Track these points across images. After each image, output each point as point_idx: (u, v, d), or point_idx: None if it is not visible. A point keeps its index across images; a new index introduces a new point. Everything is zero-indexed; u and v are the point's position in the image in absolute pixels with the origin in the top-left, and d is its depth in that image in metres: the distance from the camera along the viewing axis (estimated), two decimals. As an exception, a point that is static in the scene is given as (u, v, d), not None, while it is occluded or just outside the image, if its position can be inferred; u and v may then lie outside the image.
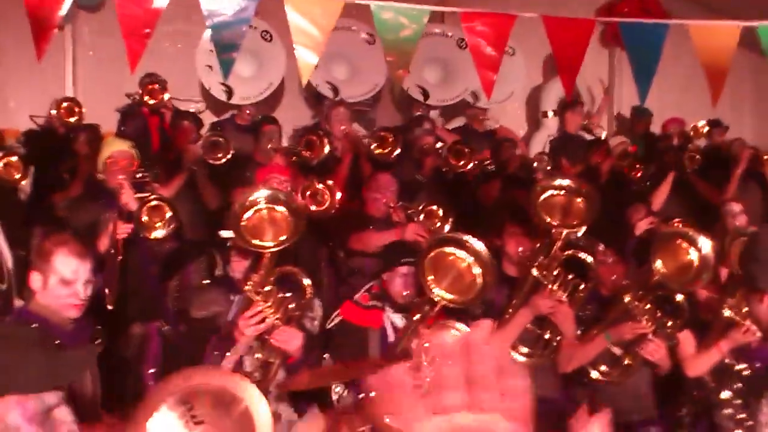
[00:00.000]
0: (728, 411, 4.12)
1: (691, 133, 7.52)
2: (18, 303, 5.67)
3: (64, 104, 6.67)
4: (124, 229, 4.44)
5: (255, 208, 3.49)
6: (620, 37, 4.22)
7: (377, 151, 6.20)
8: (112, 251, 4.49)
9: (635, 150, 7.31)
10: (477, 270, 3.73)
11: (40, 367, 1.63)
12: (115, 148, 4.97)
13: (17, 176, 5.90)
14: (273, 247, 3.41)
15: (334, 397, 3.70)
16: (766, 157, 6.94)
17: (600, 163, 6.83)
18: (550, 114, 8.27)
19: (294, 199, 3.65)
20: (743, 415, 4.08)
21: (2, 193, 5.99)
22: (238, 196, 3.65)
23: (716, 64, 3.85)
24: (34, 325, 3.05)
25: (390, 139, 6.24)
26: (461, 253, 3.75)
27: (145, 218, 4.62)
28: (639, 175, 6.67)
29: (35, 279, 3.13)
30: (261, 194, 3.52)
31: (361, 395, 3.63)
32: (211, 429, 2.61)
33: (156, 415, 2.60)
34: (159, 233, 4.65)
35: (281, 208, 3.50)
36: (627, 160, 6.77)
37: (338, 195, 5.18)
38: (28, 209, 6.26)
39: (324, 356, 3.87)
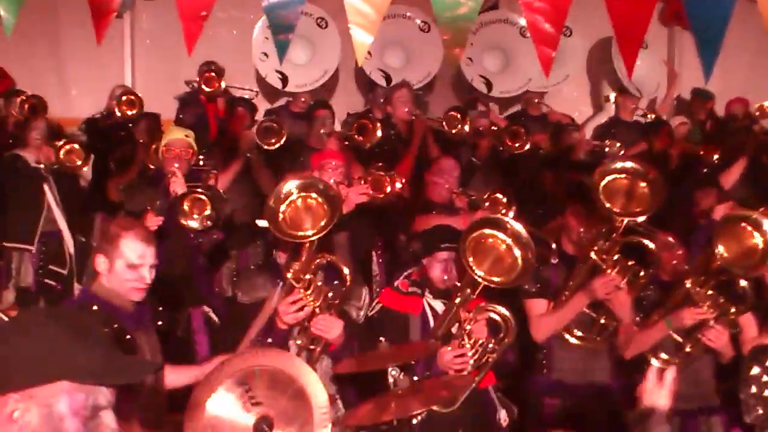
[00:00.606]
0: (754, 389, 4.00)
1: (757, 114, 7.26)
2: (77, 287, 5.87)
3: (124, 97, 6.76)
4: (154, 221, 4.49)
5: (290, 199, 3.50)
6: (680, 16, 4.08)
7: (450, 130, 6.17)
8: None
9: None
10: (517, 252, 3.68)
11: (101, 360, 1.62)
12: (173, 136, 5.03)
13: (78, 163, 6.03)
14: (312, 236, 3.43)
15: (390, 380, 3.69)
16: None
17: (667, 147, 6.65)
18: (612, 97, 8.09)
19: (329, 186, 3.64)
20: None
21: (64, 180, 6.13)
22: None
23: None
24: (94, 308, 3.14)
25: (458, 117, 6.22)
26: (501, 236, 3.71)
27: (186, 206, 4.68)
28: (715, 157, 6.45)
29: (101, 262, 3.20)
30: (293, 184, 3.52)
31: (417, 378, 3.64)
32: (268, 409, 2.65)
33: (214, 396, 2.65)
34: (192, 223, 4.68)
35: (315, 195, 3.50)
36: (698, 143, 6.55)
37: (398, 185, 5.11)
38: (88, 196, 6.41)
39: (381, 339, 3.85)
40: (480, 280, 3.61)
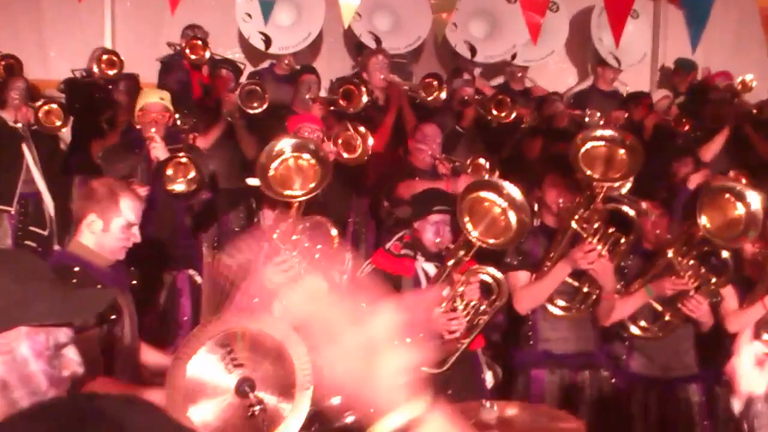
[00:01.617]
0: None
1: (739, 87, 7.27)
2: (57, 249, 5.81)
3: (104, 56, 6.66)
4: (140, 191, 4.46)
5: (282, 157, 3.47)
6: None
7: (424, 98, 6.13)
8: None
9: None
10: (512, 215, 3.69)
11: (53, 302, 1.64)
12: (148, 99, 4.97)
13: (58, 124, 5.94)
14: (301, 196, 3.40)
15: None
16: None
17: (643, 118, 6.67)
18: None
19: (321, 148, 3.61)
20: None
21: (43, 142, 6.04)
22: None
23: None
24: (76, 269, 3.10)
25: (435, 84, 6.17)
26: (497, 199, 3.71)
27: (169, 171, 4.64)
28: (686, 128, 6.49)
29: (93, 222, 3.16)
30: (287, 143, 3.50)
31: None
32: (250, 371, 2.63)
33: (195, 357, 2.63)
34: (178, 187, 4.65)
35: (308, 157, 3.48)
36: (672, 114, 6.59)
37: (370, 142, 5.11)
38: (68, 157, 6.32)
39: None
40: (475, 241, 3.61)
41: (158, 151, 4.63)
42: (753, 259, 4.30)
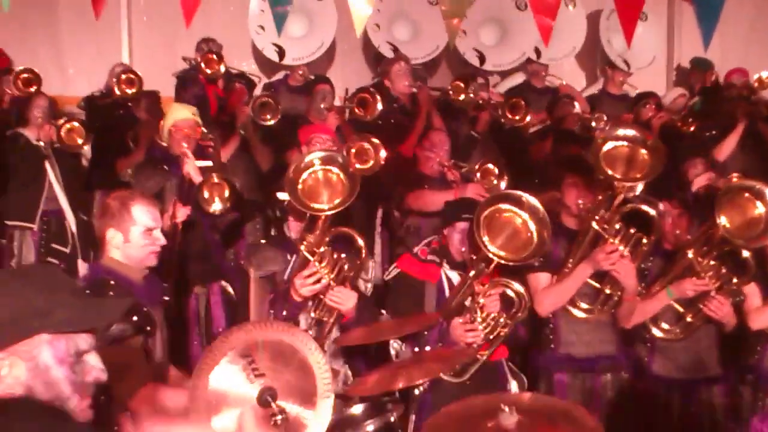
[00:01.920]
0: None
1: (756, 84, 7.21)
2: (81, 264, 5.87)
3: (123, 76, 6.71)
4: (183, 213, 4.49)
5: (311, 169, 3.50)
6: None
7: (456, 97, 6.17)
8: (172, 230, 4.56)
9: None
10: (533, 227, 3.67)
11: (72, 310, 1.71)
12: (179, 116, 4.99)
13: (80, 141, 5.99)
14: (329, 210, 3.43)
15: (392, 352, 3.71)
16: None
17: (651, 118, 6.60)
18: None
19: (349, 161, 3.64)
20: None
21: (65, 159, 6.10)
22: (294, 157, 3.67)
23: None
24: (112, 282, 3.15)
25: (462, 86, 6.22)
26: (517, 210, 3.70)
27: (206, 194, 4.71)
28: (693, 129, 6.42)
29: (114, 236, 3.20)
30: (316, 156, 3.53)
31: (417, 349, 3.65)
32: (271, 381, 2.65)
33: (217, 368, 2.65)
34: (217, 207, 4.73)
35: (336, 170, 3.51)
36: (681, 114, 6.51)
37: (382, 153, 5.12)
38: (89, 174, 6.38)
39: (381, 312, 3.88)
40: (492, 257, 3.61)
41: (191, 167, 4.66)
42: None
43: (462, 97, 6.21)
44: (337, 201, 3.46)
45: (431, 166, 5.21)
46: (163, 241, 3.27)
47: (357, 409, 3.31)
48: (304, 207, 3.48)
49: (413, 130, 5.86)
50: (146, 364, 3.06)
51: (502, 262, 3.63)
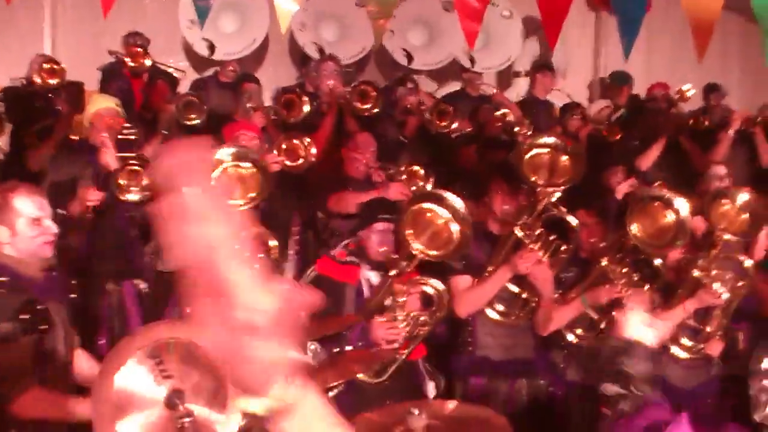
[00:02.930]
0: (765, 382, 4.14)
1: (677, 97, 7.45)
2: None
3: (45, 65, 6.51)
4: (95, 197, 4.38)
5: (222, 166, 3.46)
6: (606, 1, 4.18)
7: (359, 106, 6.13)
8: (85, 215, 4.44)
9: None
10: (454, 227, 3.73)
11: None
12: (102, 105, 4.89)
13: (-6, 133, 5.79)
14: (241, 206, 3.40)
15: (309, 353, 3.69)
16: (759, 119, 6.82)
17: (578, 129, 6.75)
18: (523, 73, 8.17)
19: (262, 156, 3.60)
20: None
21: (-22, 151, 5.89)
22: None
23: (703, 19, 3.80)
24: (2, 279, 3.03)
25: (372, 94, 6.16)
26: (439, 210, 3.74)
27: (122, 181, 4.55)
28: (618, 137, 6.60)
29: (1, 231, 3.08)
30: (226, 152, 3.48)
31: (335, 351, 3.64)
32: (180, 383, 2.60)
33: (124, 369, 2.59)
34: (132, 197, 4.57)
35: (247, 165, 3.47)
36: (606, 123, 6.69)
37: (313, 150, 5.11)
38: (5, 167, 6.17)
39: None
40: (417, 253, 3.62)
41: (109, 156, 4.53)
42: (676, 264, 4.40)
43: (368, 104, 6.16)
44: (250, 197, 3.42)
45: (357, 168, 5.20)
46: (54, 229, 3.15)
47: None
48: None
49: (320, 129, 5.84)
50: (38, 365, 2.97)
51: (426, 258, 3.67)
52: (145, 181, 4.57)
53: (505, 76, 8.66)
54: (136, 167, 4.60)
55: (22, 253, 3.10)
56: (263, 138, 5.06)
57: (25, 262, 3.10)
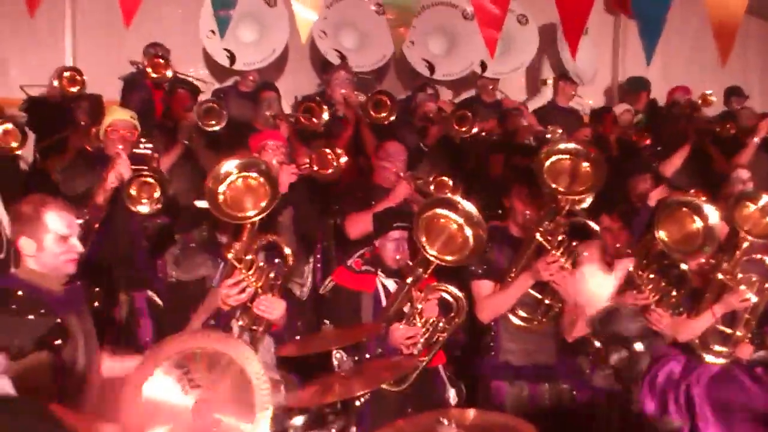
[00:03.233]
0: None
1: (699, 102, 7.39)
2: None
3: (66, 74, 6.56)
4: (114, 179, 4.35)
5: (229, 179, 3.46)
6: (624, 4, 4.15)
7: (374, 115, 6.10)
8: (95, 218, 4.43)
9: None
10: (468, 231, 3.72)
11: None
12: (117, 116, 4.89)
13: (14, 144, 5.81)
14: (252, 217, 3.39)
15: (334, 362, 3.68)
16: None
17: (607, 133, 6.73)
18: (550, 81, 8.15)
19: (270, 166, 3.60)
20: None
21: (2, 162, 5.93)
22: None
23: (726, 22, 3.76)
24: (19, 293, 3.03)
25: (388, 103, 6.13)
26: (453, 215, 3.74)
27: (133, 191, 4.51)
28: (648, 142, 6.55)
29: (27, 245, 3.08)
30: (231, 164, 3.48)
31: (358, 359, 3.64)
32: (207, 392, 2.60)
33: (152, 378, 2.59)
34: (142, 209, 4.51)
35: (255, 175, 3.47)
36: (634, 128, 6.65)
37: (343, 159, 5.09)
38: (28, 178, 6.22)
39: (325, 322, 3.86)
40: (432, 259, 3.62)
41: (123, 167, 4.50)
42: (700, 269, 4.36)
43: (383, 114, 6.11)
44: (261, 206, 3.42)
45: (386, 177, 5.14)
46: (80, 248, 3.15)
47: (298, 420, 3.26)
48: (227, 217, 3.44)
49: (339, 138, 5.83)
50: (56, 381, 2.95)
51: (442, 264, 3.66)
52: (156, 194, 4.54)
53: (532, 84, 8.66)
54: (150, 179, 4.57)
55: (45, 268, 3.10)
56: (288, 147, 5.05)
57: (46, 276, 3.10)
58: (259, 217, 3.42)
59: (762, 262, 4.36)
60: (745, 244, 4.19)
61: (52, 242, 3.08)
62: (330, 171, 5.05)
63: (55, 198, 3.23)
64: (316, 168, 4.94)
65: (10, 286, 3.05)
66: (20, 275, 3.11)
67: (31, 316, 2.88)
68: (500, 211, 4.56)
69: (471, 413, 2.84)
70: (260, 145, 4.66)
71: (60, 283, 3.14)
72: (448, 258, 3.71)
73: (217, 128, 5.87)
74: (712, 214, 3.96)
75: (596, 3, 8.13)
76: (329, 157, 5.05)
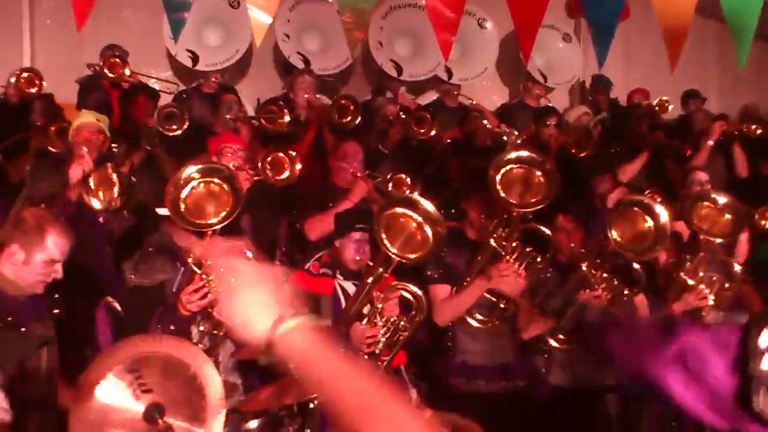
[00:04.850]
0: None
1: (657, 108, 7.51)
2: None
3: (24, 75, 6.47)
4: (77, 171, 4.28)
5: (191, 184, 3.44)
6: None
7: (338, 120, 6.12)
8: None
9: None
10: (428, 230, 3.75)
11: None
12: (83, 119, 4.87)
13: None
14: (215, 224, 3.39)
15: (290, 365, 3.68)
16: (736, 132, 6.86)
17: (551, 138, 6.69)
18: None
19: (231, 170, 3.58)
20: None
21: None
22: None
23: (675, 27, 3.84)
24: None
25: (351, 108, 6.15)
26: (412, 214, 3.76)
27: (92, 184, 4.37)
28: (583, 155, 6.45)
29: (16, 252, 3.09)
30: (192, 170, 3.46)
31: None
32: (159, 397, 2.60)
33: (103, 382, 2.59)
34: (95, 203, 4.37)
35: (218, 181, 3.46)
36: (575, 136, 6.58)
37: (298, 165, 5.09)
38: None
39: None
40: (393, 256, 3.65)
41: (85, 162, 4.39)
42: (664, 268, 4.45)
43: (347, 119, 6.11)
44: (223, 214, 3.41)
45: (344, 177, 5.13)
46: (59, 275, 3.17)
47: (252, 424, 3.27)
48: (188, 224, 3.41)
49: (301, 141, 5.84)
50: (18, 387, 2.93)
51: (403, 261, 3.68)
52: (116, 192, 4.44)
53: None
54: (114, 176, 4.46)
55: (17, 278, 3.11)
56: (248, 150, 5.03)
57: (12, 282, 3.10)
58: (221, 225, 3.41)
59: (724, 262, 4.48)
60: (707, 243, 4.28)
61: (41, 262, 3.11)
62: (284, 176, 5.04)
63: (61, 222, 3.25)
64: (269, 173, 4.93)
65: None
66: None
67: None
68: (453, 210, 4.60)
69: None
70: (219, 148, 4.63)
71: (24, 292, 3.14)
72: (410, 256, 3.73)
73: (178, 132, 5.84)
74: (663, 214, 4.04)
75: (558, 6, 8.31)
76: (285, 162, 5.04)
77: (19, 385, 2.97)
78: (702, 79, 8.64)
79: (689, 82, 8.03)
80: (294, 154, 5.14)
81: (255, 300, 1.48)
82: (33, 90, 6.35)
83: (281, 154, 5.10)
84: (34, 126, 6.02)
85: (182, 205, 3.42)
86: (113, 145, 5.09)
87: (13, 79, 6.36)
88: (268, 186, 5.00)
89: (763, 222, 5.28)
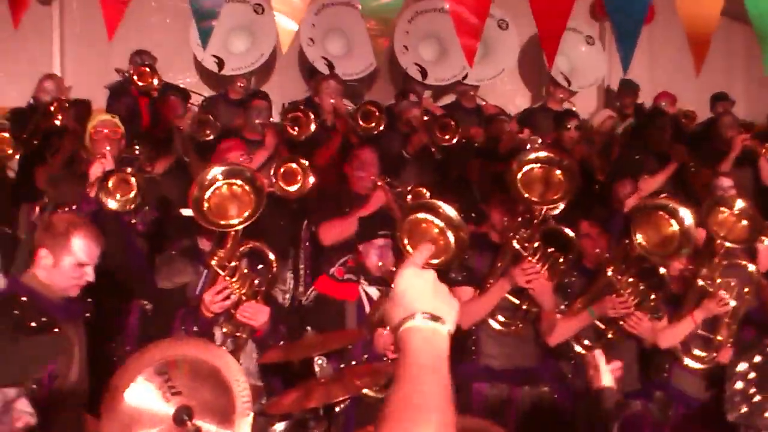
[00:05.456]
0: (740, 385, 4.14)
1: (683, 120, 7.47)
2: (1, 278, 5.69)
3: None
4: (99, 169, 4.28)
5: (215, 186, 3.48)
6: (610, 8, 4.19)
7: (363, 125, 6.13)
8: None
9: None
10: (450, 235, 3.75)
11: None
12: (99, 118, 4.91)
13: (9, 152, 5.83)
14: (237, 225, 3.42)
15: (316, 369, 3.71)
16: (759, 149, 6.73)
17: (573, 144, 6.62)
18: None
19: (255, 173, 3.62)
20: (753, 390, 4.11)
21: (-11, 170, 5.95)
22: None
23: (700, 30, 3.82)
24: (23, 298, 3.09)
25: (376, 113, 6.16)
26: (434, 219, 3.76)
27: (110, 184, 4.32)
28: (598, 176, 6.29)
29: (45, 256, 3.15)
30: (217, 171, 3.51)
31: (342, 366, 3.67)
32: (188, 399, 2.64)
33: (133, 385, 2.63)
34: (111, 203, 4.31)
35: (241, 182, 3.49)
36: (594, 151, 6.52)
37: (311, 179, 5.06)
38: (15, 186, 6.23)
39: (307, 329, 3.89)
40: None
41: (107, 164, 4.36)
42: (680, 275, 4.42)
43: (372, 125, 6.12)
44: (245, 214, 3.45)
45: (362, 185, 5.13)
46: (91, 278, 3.21)
47: (279, 427, 3.30)
48: (211, 225, 3.46)
49: (326, 146, 5.85)
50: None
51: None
52: (132, 194, 4.36)
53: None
54: (133, 180, 4.44)
55: (51, 282, 3.17)
56: (248, 153, 5.00)
57: (46, 285, 3.17)
58: (243, 226, 3.45)
59: (743, 267, 4.43)
60: (724, 249, 4.25)
61: (69, 265, 3.16)
62: (294, 188, 5.03)
63: (90, 225, 3.29)
64: (282, 184, 4.94)
65: (15, 291, 3.14)
66: (25, 280, 3.19)
67: (33, 323, 2.91)
68: (473, 215, 4.60)
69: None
70: (221, 152, 4.65)
71: (60, 295, 3.19)
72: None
73: (211, 138, 5.89)
74: (688, 217, 4.01)
75: (582, 10, 8.27)
76: (297, 174, 5.03)
77: (48, 386, 3.03)
78: (728, 82, 8.56)
79: (715, 86, 7.96)
80: (307, 164, 5.10)
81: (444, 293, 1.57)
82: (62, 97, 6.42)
83: (294, 165, 5.09)
84: (68, 130, 6.10)
85: (205, 205, 3.47)
86: (136, 147, 5.13)
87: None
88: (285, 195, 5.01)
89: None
